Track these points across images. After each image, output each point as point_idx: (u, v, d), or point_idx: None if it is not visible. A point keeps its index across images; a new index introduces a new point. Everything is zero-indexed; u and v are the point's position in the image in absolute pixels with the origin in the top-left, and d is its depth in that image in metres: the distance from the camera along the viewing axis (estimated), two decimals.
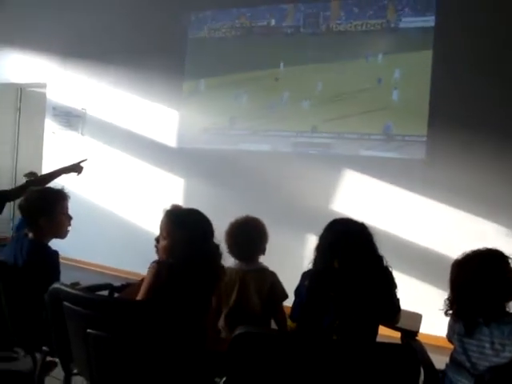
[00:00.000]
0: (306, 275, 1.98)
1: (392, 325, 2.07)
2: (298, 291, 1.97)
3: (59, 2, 5.88)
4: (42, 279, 2.15)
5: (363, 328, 1.85)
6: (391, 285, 1.95)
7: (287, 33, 4.66)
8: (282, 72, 4.66)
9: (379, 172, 4.10)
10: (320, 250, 1.97)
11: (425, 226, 3.92)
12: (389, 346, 1.49)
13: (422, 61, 4.04)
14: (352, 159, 4.27)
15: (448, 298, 1.89)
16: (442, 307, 1.95)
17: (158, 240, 2.00)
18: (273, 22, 4.73)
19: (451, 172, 3.87)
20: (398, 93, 4.17)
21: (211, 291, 1.95)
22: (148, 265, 1.97)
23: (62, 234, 2.37)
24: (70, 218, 2.39)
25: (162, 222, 1.98)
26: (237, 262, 2.38)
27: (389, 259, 4.07)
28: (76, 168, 3.25)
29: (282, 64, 4.65)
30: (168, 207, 2.12)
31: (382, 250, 4.16)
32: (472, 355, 1.77)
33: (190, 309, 1.82)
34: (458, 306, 1.86)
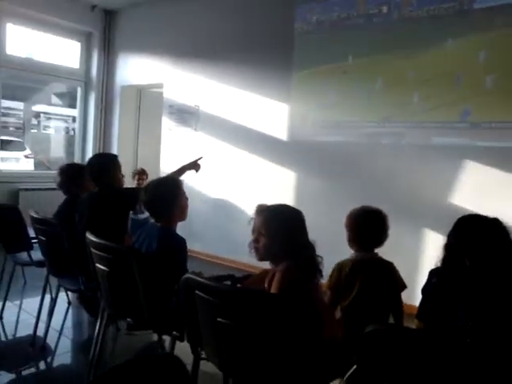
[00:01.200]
0: (434, 273, 1.89)
1: None
2: (425, 289, 1.90)
3: (171, 7, 6.21)
4: (174, 264, 2.33)
5: (499, 331, 1.72)
6: None
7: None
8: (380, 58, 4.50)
9: (500, 162, 3.78)
10: (449, 247, 1.88)
11: None
12: None
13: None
14: (471, 150, 3.98)
15: None
16: None
17: (255, 240, 2.01)
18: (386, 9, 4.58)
19: None
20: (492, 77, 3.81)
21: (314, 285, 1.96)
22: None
23: (185, 216, 2.60)
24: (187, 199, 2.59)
25: (255, 221, 2.01)
26: (355, 253, 2.37)
27: None
28: (194, 166, 3.47)
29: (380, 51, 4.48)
30: (257, 206, 2.15)
31: None
32: None
33: (308, 303, 1.85)
34: None
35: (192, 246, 5.58)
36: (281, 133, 5.20)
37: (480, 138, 3.95)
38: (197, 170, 3.50)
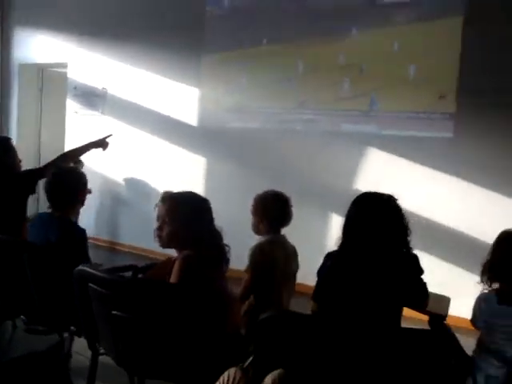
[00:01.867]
0: (329, 256, 1.94)
1: (419, 308, 2.02)
2: (320, 271, 1.94)
3: None
4: (74, 255, 2.21)
5: (387, 312, 1.80)
6: (417, 269, 1.89)
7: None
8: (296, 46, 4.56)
9: (405, 151, 3.99)
10: (345, 229, 1.93)
11: (453, 207, 3.82)
12: (416, 332, 1.46)
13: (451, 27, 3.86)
14: (377, 138, 4.16)
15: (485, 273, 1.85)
16: (473, 288, 1.91)
17: (159, 228, 1.97)
18: None
19: (481, 150, 3.74)
20: (421, 66, 4.02)
21: (219, 274, 1.95)
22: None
23: (81, 206, 2.59)
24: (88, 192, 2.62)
25: (159, 208, 1.98)
26: (266, 235, 2.40)
27: (417, 241, 4.01)
28: (102, 143, 3.35)
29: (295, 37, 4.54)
30: (162, 194, 2.11)
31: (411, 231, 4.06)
32: (499, 341, 1.74)
33: (208, 293, 1.83)
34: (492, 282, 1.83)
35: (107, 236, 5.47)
36: (191, 118, 5.11)
37: (386, 127, 4.15)
38: (104, 149, 3.39)
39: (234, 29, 4.91)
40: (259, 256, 2.37)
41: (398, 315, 1.86)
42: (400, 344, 1.48)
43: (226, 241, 2.06)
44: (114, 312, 1.69)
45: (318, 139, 4.42)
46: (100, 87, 5.78)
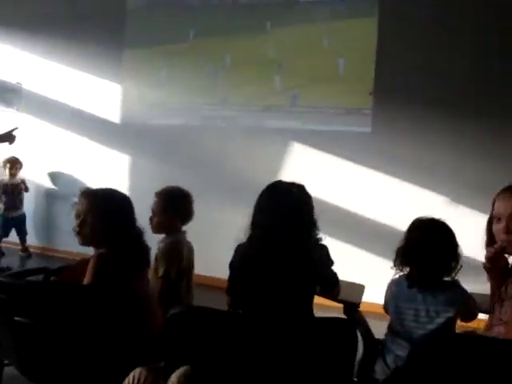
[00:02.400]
0: (239, 248, 1.94)
1: (332, 297, 2.06)
2: (231, 264, 1.93)
3: None
4: None
5: (297, 302, 1.82)
6: (324, 257, 1.92)
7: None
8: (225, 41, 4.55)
9: (326, 145, 4.09)
10: (253, 220, 1.93)
11: (370, 198, 3.98)
12: (324, 320, 1.48)
13: (367, 27, 4.02)
14: (299, 133, 4.24)
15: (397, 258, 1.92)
16: (387, 275, 1.97)
17: (79, 225, 1.91)
18: None
19: (396, 144, 3.92)
20: (342, 63, 4.15)
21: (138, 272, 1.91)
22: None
23: None
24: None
25: (78, 205, 1.93)
26: (171, 235, 2.39)
27: (335, 230, 4.13)
28: (8, 137, 3.18)
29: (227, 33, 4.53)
30: (81, 190, 2.05)
31: (328, 221, 4.20)
32: (407, 324, 1.81)
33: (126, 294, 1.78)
34: (402, 267, 1.89)
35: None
36: (113, 115, 4.94)
37: (307, 122, 4.23)
38: (11, 142, 3.23)
39: (157, 22, 4.81)
40: (178, 255, 2.34)
41: (309, 305, 1.89)
42: (311, 333, 1.50)
43: (147, 239, 2.03)
44: (16, 318, 1.59)
45: (241, 135, 4.42)
46: (14, 81, 5.44)
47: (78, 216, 1.93)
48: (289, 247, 1.82)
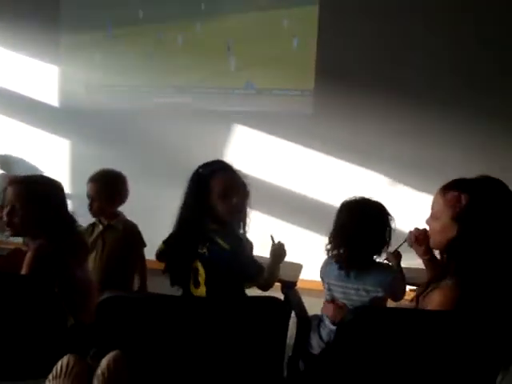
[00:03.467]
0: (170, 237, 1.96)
1: (259, 285, 2.01)
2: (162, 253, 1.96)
3: None
4: None
5: (227, 283, 1.84)
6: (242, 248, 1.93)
7: None
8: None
9: (267, 126, 4.13)
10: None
11: (310, 178, 4.07)
12: (254, 300, 1.51)
13: (308, 14, 4.06)
14: (242, 115, 4.24)
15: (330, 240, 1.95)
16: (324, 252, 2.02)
17: (9, 214, 1.84)
18: None
19: (337, 126, 4.00)
20: (285, 46, 4.17)
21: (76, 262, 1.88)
22: None
23: None
24: None
25: (7, 193, 1.86)
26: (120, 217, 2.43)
27: (276, 211, 4.19)
28: None
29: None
30: (9, 177, 1.99)
31: (269, 202, 4.26)
32: (340, 302, 1.86)
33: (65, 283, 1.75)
34: (334, 249, 1.93)
35: None
36: (51, 98, 4.75)
37: (251, 104, 4.23)
38: None
39: (93, 5, 4.61)
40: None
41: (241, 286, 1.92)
42: (241, 312, 1.52)
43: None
44: None
45: (185, 118, 4.36)
46: None
47: (6, 204, 1.86)
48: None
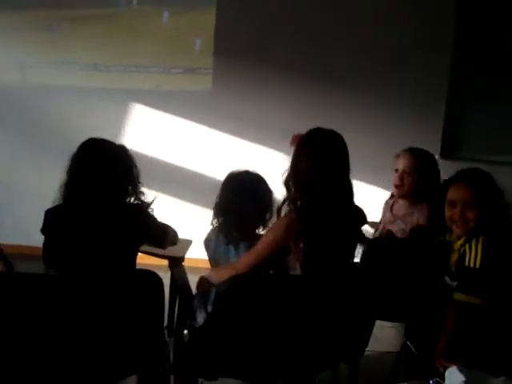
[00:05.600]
0: (48, 213, 1.91)
1: (164, 248, 2.09)
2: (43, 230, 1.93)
3: None
4: None
5: (115, 260, 1.84)
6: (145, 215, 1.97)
7: None
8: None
9: (165, 104, 4.07)
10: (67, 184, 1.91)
11: (209, 155, 4.11)
12: (132, 273, 1.54)
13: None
14: (138, 93, 4.14)
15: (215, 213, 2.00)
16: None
17: None
18: None
19: (237, 102, 4.05)
20: (173, 22, 4.12)
21: None
22: None
23: None
24: None
25: None
26: None
27: (175, 189, 4.18)
28: None
29: None
30: None
31: (166, 179, 4.22)
32: None
33: None
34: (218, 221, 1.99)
35: None
36: None
37: (148, 82, 4.13)
38: None
39: None
40: None
41: (132, 260, 1.94)
42: (119, 286, 1.54)
43: None
44: None
45: (77, 96, 4.14)
46: None
47: None
48: (102, 208, 1.81)
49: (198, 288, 1.88)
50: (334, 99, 4.04)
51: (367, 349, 1.85)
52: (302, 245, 1.64)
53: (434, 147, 4.10)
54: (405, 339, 2.02)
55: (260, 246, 1.71)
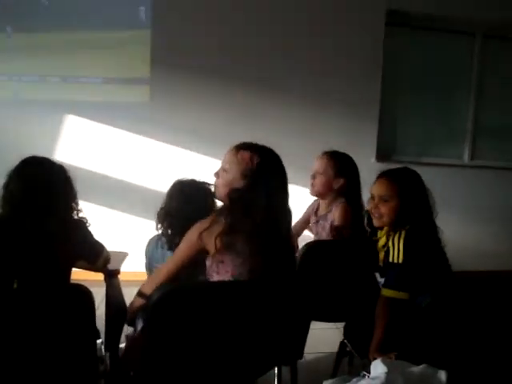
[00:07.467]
0: None
1: (96, 267, 2.07)
2: None
3: None
4: None
5: (49, 274, 1.80)
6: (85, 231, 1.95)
7: None
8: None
9: (103, 117, 4.00)
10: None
11: (148, 167, 4.06)
12: (63, 288, 1.49)
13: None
14: (74, 105, 4.02)
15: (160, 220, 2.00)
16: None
17: None
18: None
19: (176, 113, 4.03)
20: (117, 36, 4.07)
21: None
22: None
23: None
24: None
25: None
26: None
27: (113, 201, 4.10)
28: None
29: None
30: None
31: (108, 193, 4.16)
32: None
33: None
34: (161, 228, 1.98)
35: None
36: None
37: (84, 94, 4.03)
38: None
39: None
40: None
41: (66, 275, 1.89)
42: (50, 300, 1.49)
43: None
44: None
45: (12, 108, 4.00)
46: None
47: None
48: (43, 222, 1.77)
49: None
50: (267, 105, 4.13)
51: (312, 350, 1.88)
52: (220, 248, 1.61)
53: (370, 151, 4.30)
54: (343, 337, 2.06)
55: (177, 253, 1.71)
